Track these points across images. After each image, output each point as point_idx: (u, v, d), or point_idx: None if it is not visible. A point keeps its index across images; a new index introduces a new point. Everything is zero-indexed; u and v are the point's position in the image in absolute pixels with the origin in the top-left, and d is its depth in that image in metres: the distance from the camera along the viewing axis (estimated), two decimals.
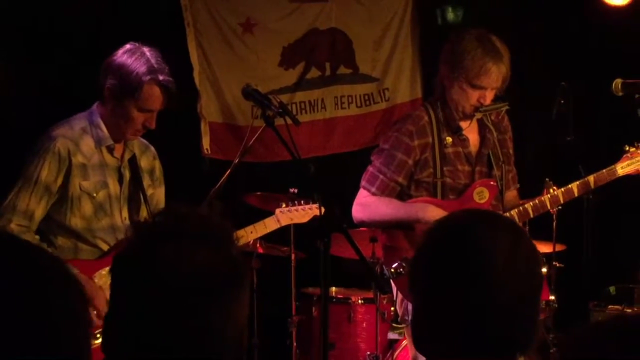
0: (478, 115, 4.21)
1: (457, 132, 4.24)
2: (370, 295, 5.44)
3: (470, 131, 4.28)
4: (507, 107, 4.23)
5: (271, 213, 4.63)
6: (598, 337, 1.50)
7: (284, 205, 4.68)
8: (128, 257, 1.73)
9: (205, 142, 5.96)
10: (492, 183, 4.24)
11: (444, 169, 4.22)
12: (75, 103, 4.10)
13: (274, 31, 6.22)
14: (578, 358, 1.52)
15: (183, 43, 5.85)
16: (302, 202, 4.74)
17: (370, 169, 4.33)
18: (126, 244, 1.76)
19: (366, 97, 6.57)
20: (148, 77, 3.80)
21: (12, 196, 3.83)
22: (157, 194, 4.18)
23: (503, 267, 1.87)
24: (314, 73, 6.39)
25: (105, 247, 3.96)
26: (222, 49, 6.05)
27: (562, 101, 4.17)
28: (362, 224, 4.44)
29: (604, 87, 4.26)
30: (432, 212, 4.03)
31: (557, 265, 4.84)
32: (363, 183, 4.33)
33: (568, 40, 4.12)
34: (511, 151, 4.42)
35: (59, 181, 3.86)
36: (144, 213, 4.06)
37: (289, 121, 3.97)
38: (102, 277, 3.86)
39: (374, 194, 4.26)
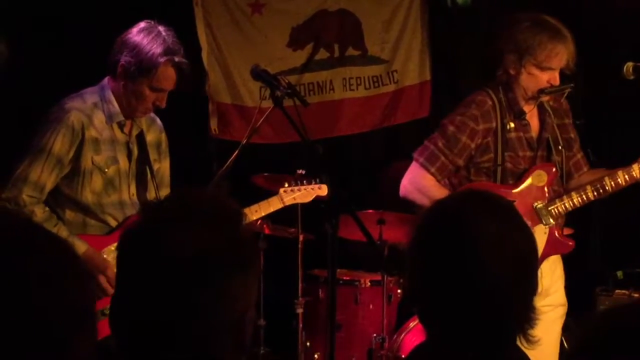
0: (544, 98, 4.16)
1: (520, 116, 4.20)
2: (377, 277, 5.43)
3: (532, 116, 4.24)
4: (571, 88, 4.18)
5: None
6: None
7: (287, 185, 4.70)
8: (133, 236, 1.75)
9: (213, 123, 5.95)
10: (552, 168, 4.21)
11: (505, 154, 4.18)
12: (86, 80, 4.09)
13: (283, 12, 6.20)
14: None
15: (192, 23, 5.83)
16: (305, 182, 4.75)
17: (431, 146, 4.23)
18: (134, 223, 1.77)
19: (374, 79, 6.54)
20: (165, 58, 3.81)
21: (23, 167, 3.82)
22: (163, 167, 4.18)
23: (492, 250, 1.89)
24: (322, 54, 6.37)
25: (113, 223, 3.97)
26: (231, 29, 6.04)
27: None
28: (407, 201, 4.38)
29: (615, 70, 4.23)
30: None
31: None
32: (421, 160, 4.23)
33: (579, 22, 4.09)
34: (572, 135, 4.37)
35: (71, 154, 3.86)
36: (151, 190, 4.07)
37: (298, 102, 3.96)
38: (111, 253, 3.88)
39: (432, 174, 4.20)
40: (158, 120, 4.18)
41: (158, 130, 4.17)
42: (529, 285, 1.96)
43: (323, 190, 4.74)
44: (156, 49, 3.80)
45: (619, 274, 5.69)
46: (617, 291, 5.60)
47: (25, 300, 1.29)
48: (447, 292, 1.92)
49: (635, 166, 4.16)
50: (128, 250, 1.74)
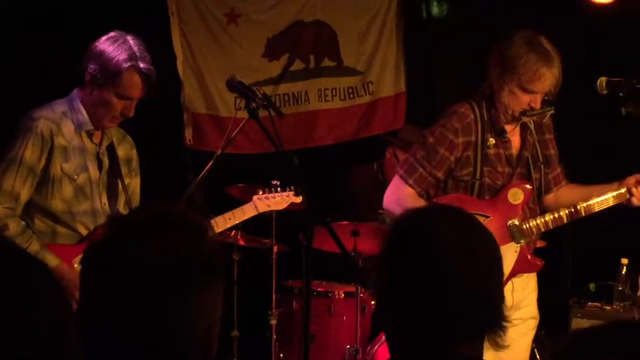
0: (524, 119, 4.16)
1: (501, 134, 4.20)
2: (351, 289, 5.44)
3: (513, 133, 4.23)
4: (552, 112, 4.19)
5: None
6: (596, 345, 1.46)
7: (261, 192, 4.70)
8: (98, 248, 1.74)
9: (188, 133, 5.92)
10: (527, 186, 4.21)
11: (484, 169, 4.18)
12: (56, 91, 4.07)
13: (259, 22, 6.19)
14: None
15: (167, 32, 5.81)
16: (279, 189, 4.75)
17: (410, 158, 4.24)
18: (99, 236, 1.76)
19: (350, 90, 6.55)
20: (128, 64, 3.81)
21: None
22: (133, 184, 4.18)
23: (461, 257, 1.92)
24: (298, 65, 6.36)
25: (84, 232, 3.95)
26: (206, 39, 6.02)
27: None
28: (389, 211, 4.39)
29: (588, 85, 4.25)
30: None
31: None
32: (401, 172, 4.23)
33: (553, 36, 4.10)
34: (553, 151, 4.37)
35: (42, 162, 3.85)
36: (122, 201, 4.06)
37: (273, 113, 3.96)
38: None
39: (411, 185, 4.20)
40: (129, 137, 4.18)
41: (129, 147, 4.16)
42: (497, 288, 1.99)
43: (297, 197, 4.74)
44: (120, 55, 3.81)
45: (592, 286, 5.72)
46: (589, 303, 5.62)
47: None
48: (412, 304, 1.93)
49: (609, 193, 4.16)
50: (92, 262, 1.73)
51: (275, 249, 5.31)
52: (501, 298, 2.00)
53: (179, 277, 1.67)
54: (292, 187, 4.76)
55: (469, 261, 1.93)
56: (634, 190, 4.13)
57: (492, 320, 1.96)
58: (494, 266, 2.00)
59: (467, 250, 1.94)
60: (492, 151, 4.18)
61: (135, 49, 3.84)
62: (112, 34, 3.89)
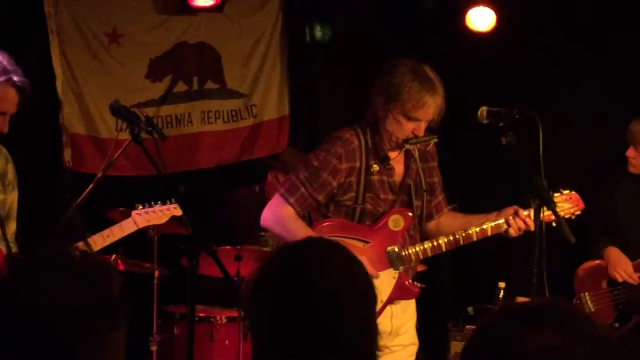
0: (408, 147, 4.19)
1: (384, 161, 4.22)
2: (233, 313, 5.39)
3: (397, 161, 4.25)
4: (436, 140, 4.23)
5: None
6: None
7: (140, 207, 4.61)
8: None
9: (67, 154, 5.79)
10: (409, 213, 4.24)
11: (366, 195, 4.18)
12: None
13: (141, 43, 6.12)
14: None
15: (46, 51, 5.68)
16: (159, 202, 4.67)
17: (293, 178, 4.22)
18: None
19: (233, 113, 6.52)
20: (2, 78, 3.72)
21: None
22: (10, 200, 4.03)
23: (342, 288, 1.94)
24: (181, 87, 6.31)
25: None
26: (87, 58, 5.91)
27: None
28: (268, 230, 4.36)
29: (468, 115, 4.33)
30: None
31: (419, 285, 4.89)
32: (282, 191, 4.21)
33: (434, 65, 4.17)
34: (437, 179, 4.41)
35: None
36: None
37: (157, 136, 3.90)
38: None
39: (291, 204, 4.17)
40: (4, 150, 4.04)
41: (4, 161, 4.03)
42: (371, 326, 1.99)
43: (178, 210, 4.65)
44: None
45: (470, 309, 5.83)
46: (467, 326, 5.73)
47: None
48: (288, 338, 1.92)
49: (487, 224, 4.24)
50: None
51: (156, 273, 5.22)
52: (375, 330, 2.01)
53: (77, 321, 1.63)
54: (170, 201, 4.67)
55: (342, 297, 1.94)
56: (511, 221, 4.22)
57: (364, 353, 1.96)
58: (367, 301, 2.01)
59: (340, 285, 1.95)
60: (375, 178, 4.21)
61: (6, 62, 3.75)
62: None
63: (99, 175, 4.18)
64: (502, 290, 5.68)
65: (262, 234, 5.48)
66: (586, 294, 5.28)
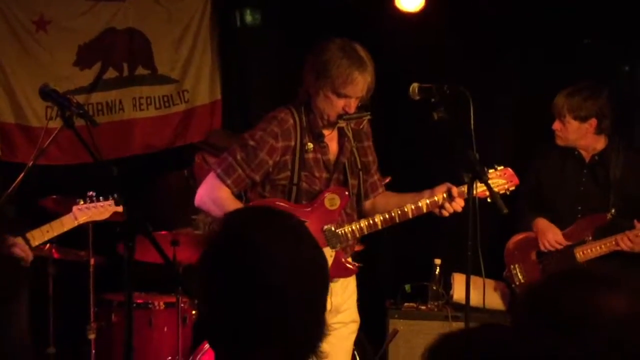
0: (341, 124, 4.20)
1: (319, 138, 4.23)
2: (172, 299, 5.37)
3: (331, 139, 4.28)
4: (369, 117, 4.25)
5: None
6: None
7: (81, 202, 4.57)
8: None
9: None
10: (345, 192, 4.26)
11: (302, 173, 4.20)
12: None
13: (69, 29, 6.03)
14: None
15: None
16: (101, 198, 4.63)
17: (229, 158, 4.20)
18: None
19: (165, 99, 6.48)
20: None
21: None
22: None
23: (289, 268, 1.90)
24: (111, 73, 6.24)
25: None
26: (14, 46, 5.82)
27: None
28: (202, 210, 4.34)
29: (400, 92, 4.37)
30: None
31: (356, 264, 4.93)
32: (218, 171, 4.20)
33: (365, 44, 4.19)
34: (371, 158, 4.44)
35: None
36: None
37: (88, 122, 3.86)
38: None
39: (228, 186, 4.17)
40: None
41: None
42: (320, 302, 1.98)
43: (119, 207, 4.63)
44: None
45: (407, 287, 5.88)
46: (405, 304, 5.78)
47: None
48: (235, 313, 1.89)
49: (422, 201, 4.28)
50: None
51: (92, 261, 5.17)
52: (324, 306, 1.99)
53: None
54: (113, 197, 4.64)
55: (293, 269, 1.91)
56: (447, 205, 4.26)
57: (315, 329, 1.95)
58: (321, 273, 2.00)
59: (292, 260, 1.92)
60: (310, 156, 4.24)
61: None
62: None
63: (30, 164, 4.12)
64: (437, 267, 5.75)
65: (194, 217, 5.46)
66: (516, 265, 5.36)
